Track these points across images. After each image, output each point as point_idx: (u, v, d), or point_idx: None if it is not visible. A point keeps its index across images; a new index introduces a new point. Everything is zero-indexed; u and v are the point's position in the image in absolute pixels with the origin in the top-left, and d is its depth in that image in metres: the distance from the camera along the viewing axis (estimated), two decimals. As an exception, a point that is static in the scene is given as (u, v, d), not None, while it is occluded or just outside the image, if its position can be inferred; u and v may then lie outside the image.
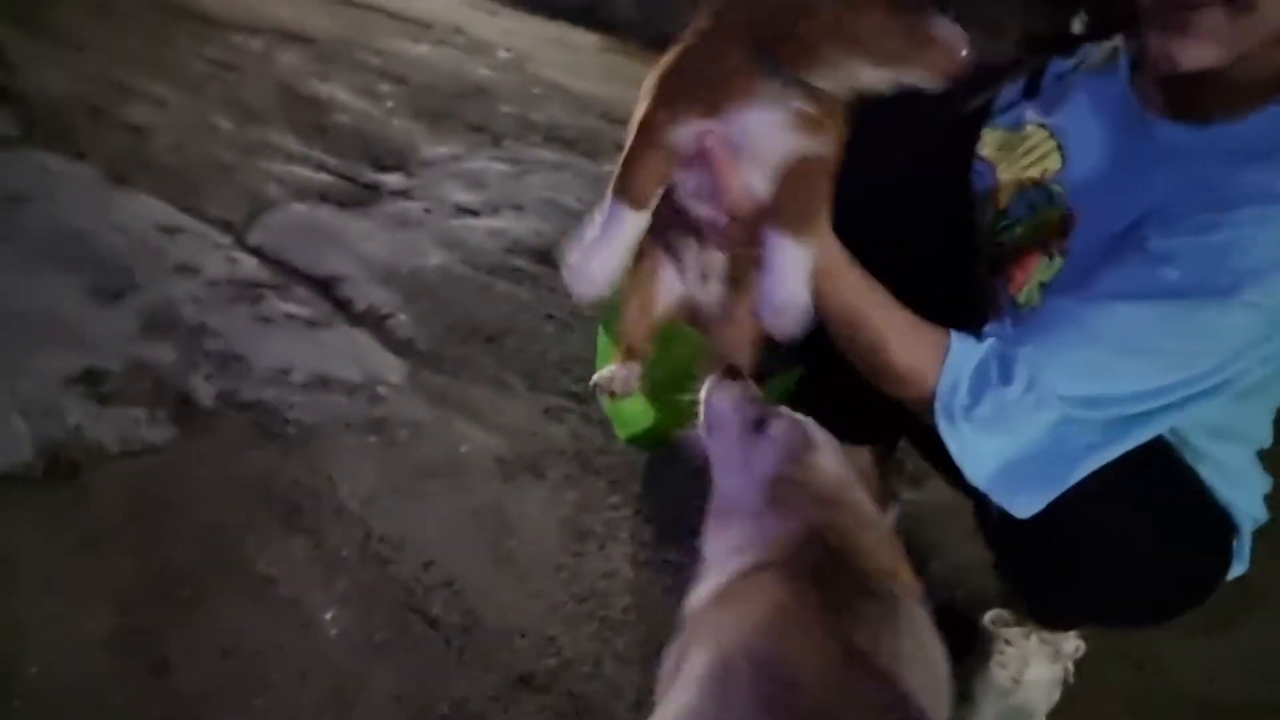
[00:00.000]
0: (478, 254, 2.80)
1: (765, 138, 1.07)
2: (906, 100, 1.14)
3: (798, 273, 1.08)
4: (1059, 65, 1.39)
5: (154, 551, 1.59)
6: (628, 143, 1.12)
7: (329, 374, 2.13)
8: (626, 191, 1.12)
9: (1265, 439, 1.31)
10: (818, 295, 1.10)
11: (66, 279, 2.30)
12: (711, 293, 1.26)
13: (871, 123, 1.24)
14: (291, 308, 2.37)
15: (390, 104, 4.07)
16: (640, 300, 1.29)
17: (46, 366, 1.97)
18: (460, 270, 2.69)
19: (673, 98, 1.09)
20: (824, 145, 1.08)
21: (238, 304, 2.33)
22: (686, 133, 1.08)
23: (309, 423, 1.96)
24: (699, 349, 1.44)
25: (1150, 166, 1.18)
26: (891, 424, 1.60)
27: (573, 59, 5.17)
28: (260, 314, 2.31)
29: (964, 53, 1.01)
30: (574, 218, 3.22)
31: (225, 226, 2.72)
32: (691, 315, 1.31)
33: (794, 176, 1.09)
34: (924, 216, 1.41)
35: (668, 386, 1.51)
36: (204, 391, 1.99)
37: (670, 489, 1.92)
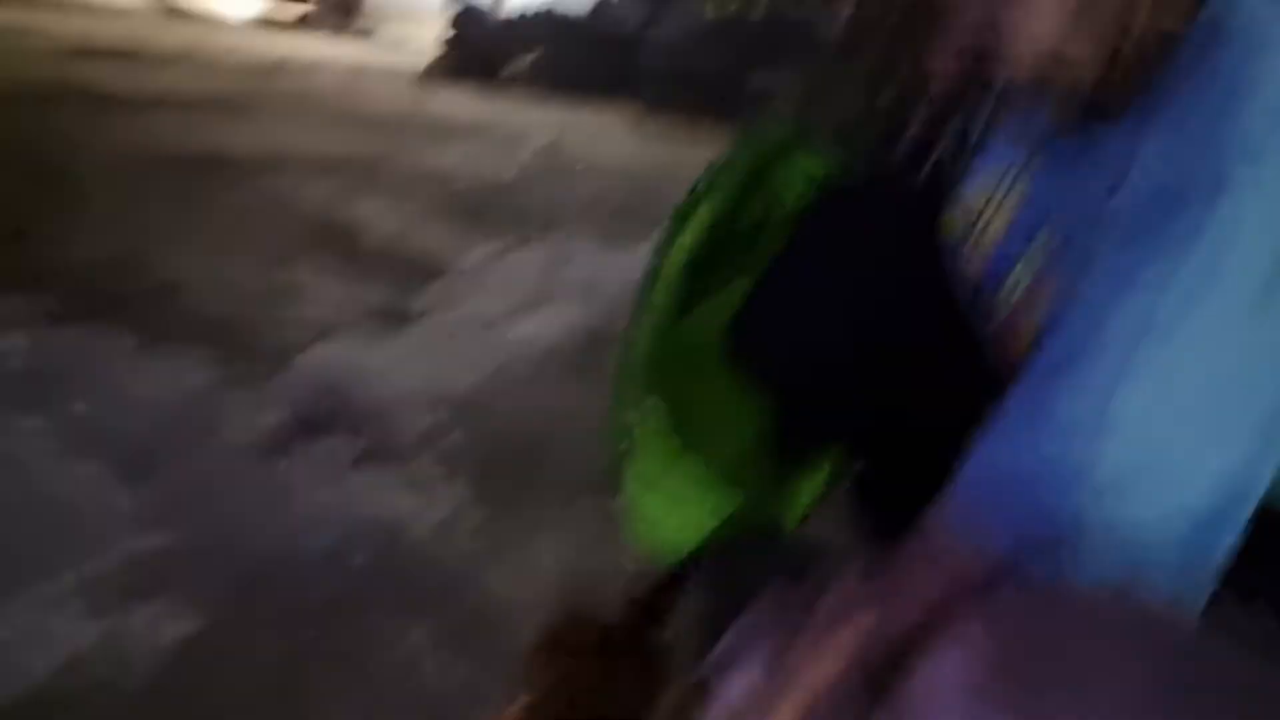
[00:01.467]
0: (514, 364, 2.65)
1: None
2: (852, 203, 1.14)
3: None
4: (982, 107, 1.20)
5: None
6: None
7: (354, 530, 1.97)
8: None
9: None
10: None
11: (87, 466, 2.20)
12: None
13: (819, 233, 1.23)
14: (319, 455, 2.22)
15: (422, 217, 3.99)
16: None
17: (60, 565, 1.86)
18: (496, 386, 2.53)
19: None
20: None
21: (262, 463, 2.19)
22: None
23: (331, 596, 1.80)
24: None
25: (1091, 177, 0.96)
26: None
27: (605, 137, 5.07)
28: (284, 471, 2.16)
29: None
30: (618, 302, 3.06)
31: (254, 378, 2.62)
32: None
33: None
34: (902, 321, 1.21)
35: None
36: (222, 576, 1.84)
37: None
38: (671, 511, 1.36)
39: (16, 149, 4.53)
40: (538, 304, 3.03)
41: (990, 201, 1.15)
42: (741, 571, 1.43)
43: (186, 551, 1.90)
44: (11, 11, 9.28)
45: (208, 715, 1.53)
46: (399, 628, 1.72)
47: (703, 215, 1.34)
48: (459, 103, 7.91)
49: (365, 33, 14.59)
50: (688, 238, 1.34)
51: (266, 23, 15.05)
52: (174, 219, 3.94)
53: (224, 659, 1.63)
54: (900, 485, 1.11)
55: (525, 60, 9.96)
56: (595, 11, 10.66)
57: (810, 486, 1.54)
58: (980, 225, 1.16)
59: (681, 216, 1.36)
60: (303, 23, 14.80)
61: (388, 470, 2.18)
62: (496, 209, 4.01)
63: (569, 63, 9.91)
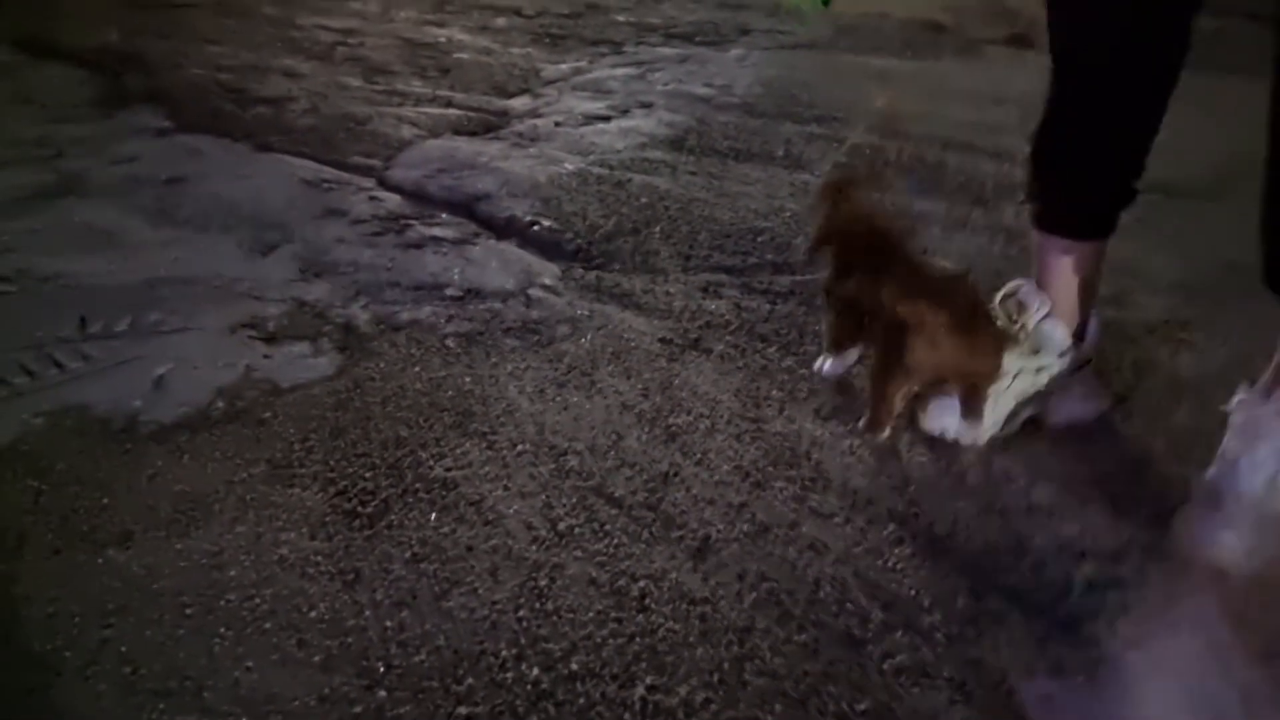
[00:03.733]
0: (611, 154, 2.66)
1: None
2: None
3: None
4: None
5: (334, 474, 1.52)
6: None
7: (482, 285, 2.03)
8: None
9: None
10: None
11: (225, 241, 2.27)
12: None
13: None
14: (437, 231, 2.27)
15: (508, 36, 3.95)
16: None
17: (213, 319, 1.94)
18: (597, 172, 2.54)
19: None
20: None
21: (385, 236, 2.25)
22: None
23: (468, 332, 1.87)
24: None
25: None
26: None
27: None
28: (408, 242, 2.22)
29: None
30: (704, 104, 3.03)
31: (366, 171, 2.66)
32: None
33: None
34: None
35: None
36: (362, 319, 1.92)
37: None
38: None
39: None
40: (627, 107, 3.01)
41: None
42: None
43: (327, 303, 1.98)
44: None
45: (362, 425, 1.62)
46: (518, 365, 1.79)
47: None
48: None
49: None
50: None
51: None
52: (274, 44, 3.94)
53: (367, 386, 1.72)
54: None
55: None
56: None
57: None
58: None
59: None
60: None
61: (503, 244, 2.23)
62: (577, 30, 3.96)
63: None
